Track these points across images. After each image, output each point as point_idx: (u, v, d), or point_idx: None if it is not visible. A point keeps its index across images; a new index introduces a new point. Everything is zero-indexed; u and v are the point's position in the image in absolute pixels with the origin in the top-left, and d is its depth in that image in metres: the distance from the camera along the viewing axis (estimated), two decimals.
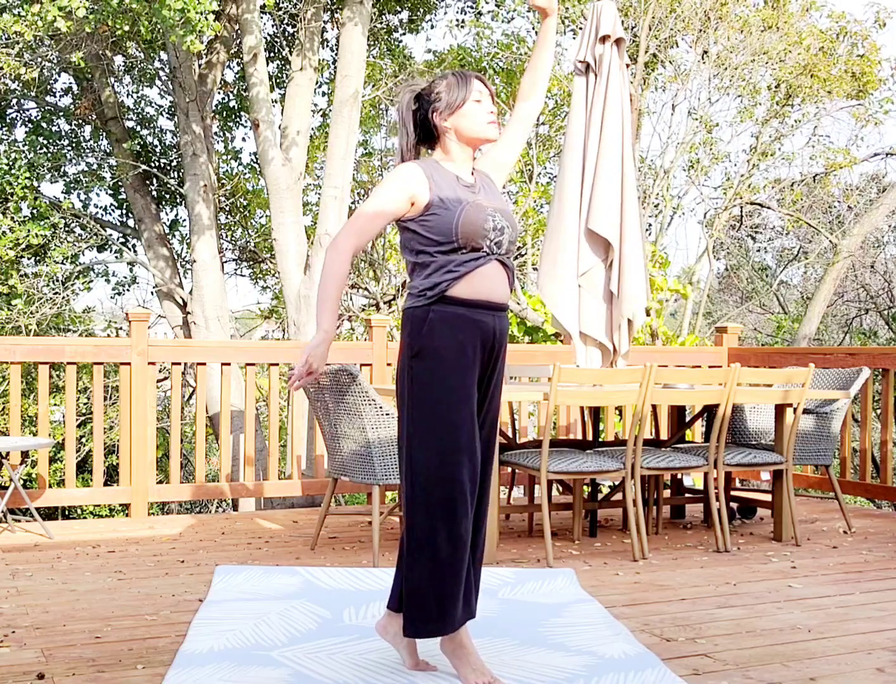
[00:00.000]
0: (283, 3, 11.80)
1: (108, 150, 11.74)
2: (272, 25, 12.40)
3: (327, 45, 12.82)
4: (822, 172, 14.09)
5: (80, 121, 11.72)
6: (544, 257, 5.33)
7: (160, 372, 10.81)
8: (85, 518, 10.72)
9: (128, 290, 12.30)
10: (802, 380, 4.99)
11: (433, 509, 2.76)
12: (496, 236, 2.87)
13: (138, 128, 12.11)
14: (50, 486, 6.55)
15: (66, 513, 11.16)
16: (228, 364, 6.07)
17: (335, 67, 11.12)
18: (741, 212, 15.27)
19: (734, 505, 5.81)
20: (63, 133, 11.91)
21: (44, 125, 11.51)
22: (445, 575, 2.78)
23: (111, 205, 12.23)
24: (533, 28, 12.76)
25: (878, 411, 10.41)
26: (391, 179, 2.88)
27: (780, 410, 5.13)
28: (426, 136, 3.02)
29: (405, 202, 2.85)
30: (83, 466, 11.39)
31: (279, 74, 12.45)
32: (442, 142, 3.00)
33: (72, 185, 11.37)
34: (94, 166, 11.73)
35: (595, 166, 5.21)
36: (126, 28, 8.26)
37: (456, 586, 2.80)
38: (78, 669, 2.96)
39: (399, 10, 12.81)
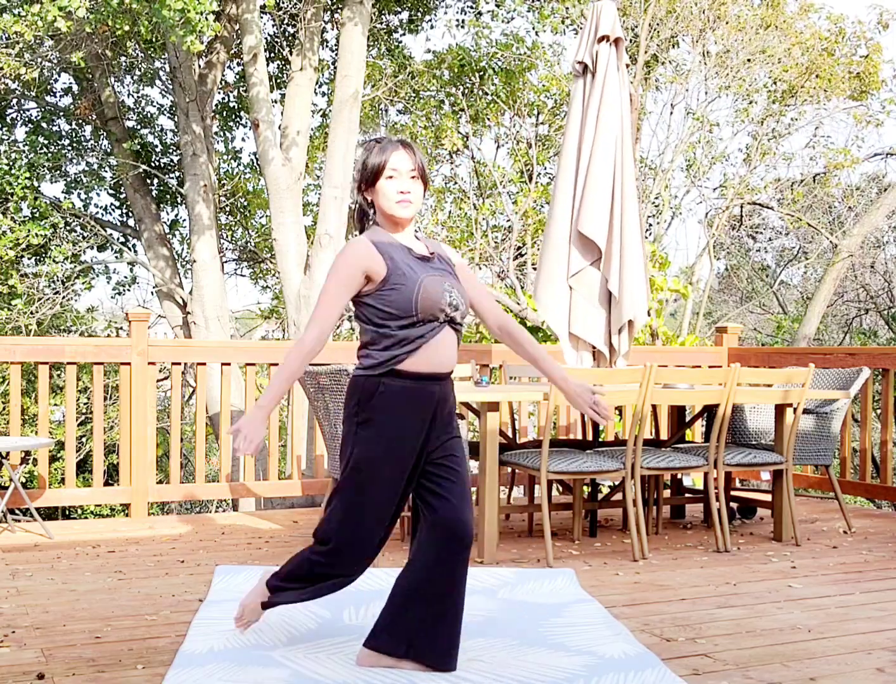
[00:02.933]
0: (283, 3, 11.79)
1: (108, 150, 11.74)
2: (272, 25, 12.41)
3: (327, 45, 12.82)
4: (822, 172, 14.09)
5: (81, 121, 11.72)
6: (541, 260, 5.34)
7: (160, 372, 10.81)
8: (85, 518, 10.72)
9: (128, 290, 12.29)
10: (802, 380, 4.99)
11: (334, 552, 2.95)
12: (451, 311, 2.90)
13: (138, 128, 12.11)
14: (50, 486, 6.55)
15: (66, 512, 11.16)
16: (228, 364, 6.07)
17: (335, 67, 11.11)
18: (741, 212, 15.27)
19: (734, 505, 5.81)
20: (63, 133, 11.90)
21: (44, 125, 11.51)
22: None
23: (111, 205, 12.23)
24: (533, 27, 12.76)
25: (878, 411, 10.41)
26: (345, 261, 2.85)
27: (780, 410, 5.13)
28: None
29: (361, 280, 2.85)
30: (83, 466, 11.39)
31: (279, 74, 12.45)
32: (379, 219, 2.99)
33: (72, 185, 11.37)
34: (95, 166, 11.73)
35: (588, 167, 5.21)
36: (126, 28, 8.26)
37: None
38: (78, 669, 2.96)
39: (399, 10, 12.81)
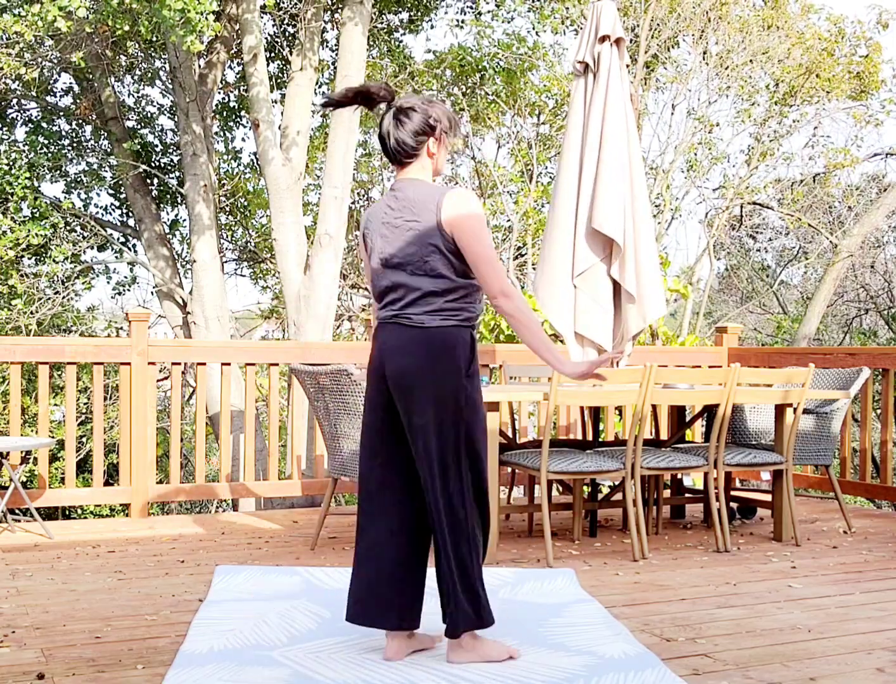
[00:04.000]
0: (283, 3, 11.79)
1: (108, 150, 11.74)
2: (272, 25, 12.40)
3: (327, 45, 12.82)
4: (822, 172, 14.09)
5: (81, 121, 11.72)
6: (542, 259, 5.33)
7: (160, 372, 10.81)
8: (85, 518, 10.72)
9: (128, 290, 12.29)
10: (802, 380, 4.99)
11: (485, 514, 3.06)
12: None
13: (138, 127, 12.11)
14: (50, 486, 6.55)
15: (66, 512, 11.15)
16: (228, 364, 6.07)
17: (335, 67, 11.11)
18: (741, 212, 15.27)
19: (734, 505, 5.81)
20: (63, 133, 11.90)
21: (44, 125, 11.50)
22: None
23: (111, 205, 12.23)
24: (533, 27, 12.75)
25: (878, 411, 10.40)
26: (482, 217, 3.00)
27: (780, 410, 5.13)
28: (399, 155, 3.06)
29: None
30: (83, 466, 11.39)
31: (279, 74, 12.45)
32: (423, 165, 3.07)
33: (72, 185, 11.37)
34: (95, 166, 11.73)
35: (596, 167, 5.20)
36: (126, 28, 8.26)
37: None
38: (78, 669, 2.96)
39: (399, 10, 12.80)
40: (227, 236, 13.27)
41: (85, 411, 11.15)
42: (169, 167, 12.06)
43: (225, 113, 12.44)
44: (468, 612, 2.93)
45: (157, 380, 8.95)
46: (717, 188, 13.51)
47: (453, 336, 2.95)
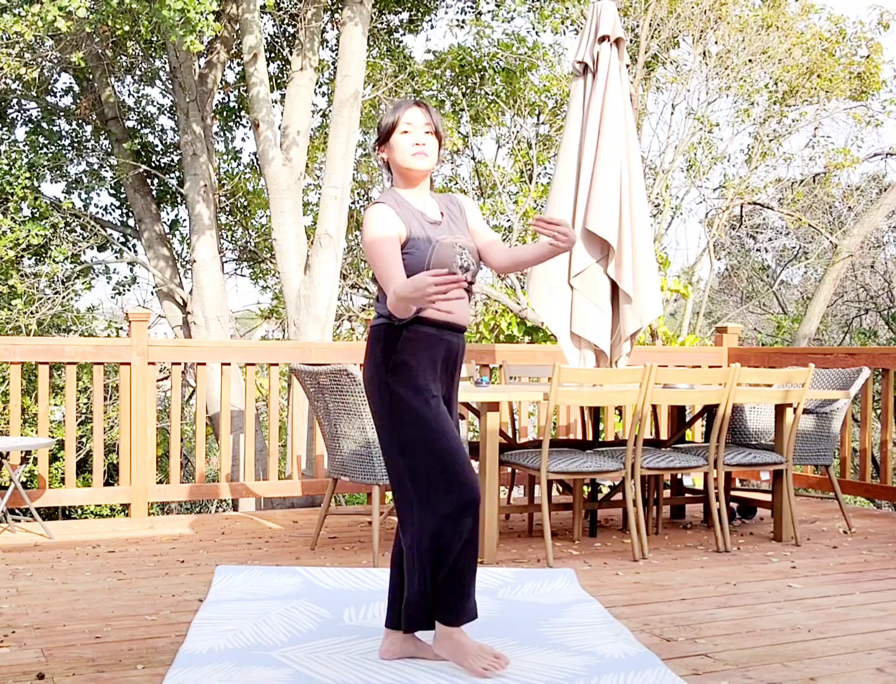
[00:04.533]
0: (283, 3, 11.79)
1: (108, 150, 11.74)
2: (272, 25, 12.41)
3: (327, 45, 12.82)
4: (822, 172, 14.09)
5: (81, 121, 11.72)
6: None
7: (160, 372, 10.81)
8: (85, 518, 10.72)
9: (128, 290, 12.29)
10: (802, 380, 4.99)
11: (443, 510, 2.85)
12: (462, 273, 2.97)
13: (139, 127, 12.11)
14: (50, 486, 6.55)
15: (66, 513, 11.16)
16: (228, 364, 6.07)
17: (335, 67, 11.11)
18: (741, 212, 15.27)
19: (734, 505, 5.81)
20: (63, 133, 11.90)
21: (44, 125, 11.51)
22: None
23: (111, 205, 12.23)
24: (533, 27, 12.76)
25: (878, 411, 10.40)
26: (375, 221, 2.89)
27: (780, 410, 5.13)
28: None
29: (397, 232, 2.92)
30: (83, 466, 11.39)
31: (279, 74, 12.45)
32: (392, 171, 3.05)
33: (72, 185, 11.37)
34: (95, 166, 11.73)
35: (593, 167, 5.20)
36: (126, 28, 8.26)
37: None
38: (78, 669, 2.96)
39: (399, 10, 12.80)
40: (227, 236, 13.27)
41: (85, 411, 11.15)
42: (169, 167, 12.06)
43: (225, 113, 12.44)
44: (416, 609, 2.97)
45: (157, 380, 8.95)
46: (717, 188, 13.52)
47: (377, 331, 2.95)
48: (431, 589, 2.90)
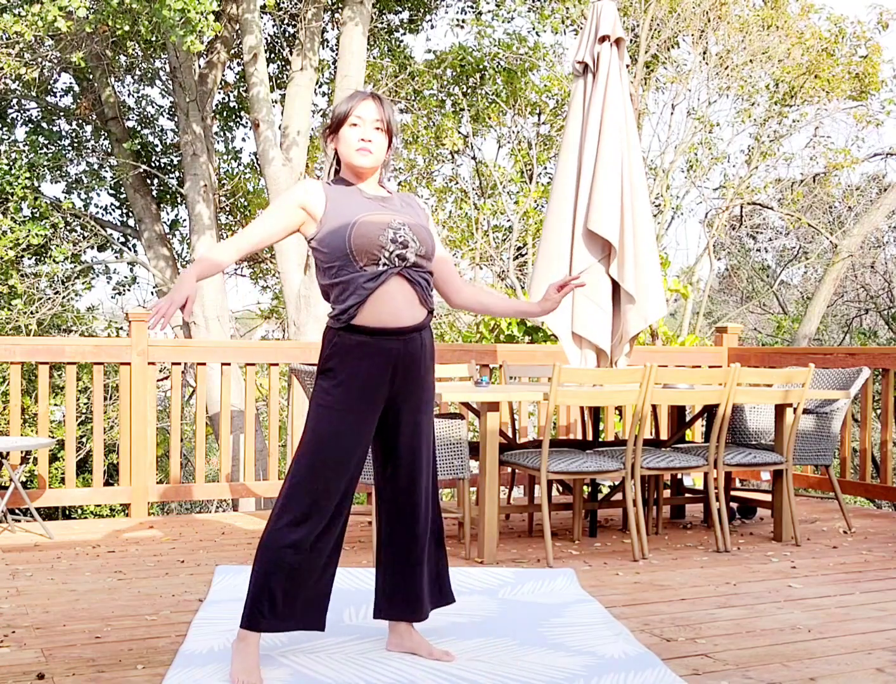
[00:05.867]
0: (283, 3, 11.80)
1: (108, 150, 11.74)
2: (272, 25, 12.41)
3: (327, 45, 12.82)
4: (822, 172, 14.09)
5: (81, 121, 11.73)
6: (538, 258, 5.33)
7: (160, 372, 10.81)
8: (85, 518, 10.72)
9: (128, 290, 12.30)
10: (802, 380, 4.99)
11: (293, 510, 2.83)
12: (396, 248, 2.83)
13: (139, 128, 12.11)
14: (50, 486, 6.55)
15: (66, 512, 11.16)
16: (228, 364, 6.07)
17: (335, 67, 11.12)
18: (741, 212, 15.27)
19: (734, 505, 5.81)
20: (63, 133, 11.91)
21: (44, 125, 11.52)
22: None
23: (111, 205, 12.24)
24: (533, 27, 12.76)
25: (878, 411, 10.41)
26: (287, 192, 2.92)
27: (780, 410, 5.13)
28: None
29: (295, 210, 2.86)
30: (83, 466, 11.39)
31: (279, 74, 12.45)
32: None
33: (72, 185, 11.37)
34: (95, 166, 11.73)
35: (594, 167, 5.20)
36: (126, 28, 8.26)
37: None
38: (78, 669, 2.96)
39: (399, 10, 12.81)
40: (227, 236, 13.27)
41: (85, 411, 11.15)
42: (169, 167, 12.07)
43: (225, 113, 12.45)
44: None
45: (157, 380, 8.95)
46: (718, 188, 13.52)
47: (324, 331, 2.94)
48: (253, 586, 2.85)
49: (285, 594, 2.84)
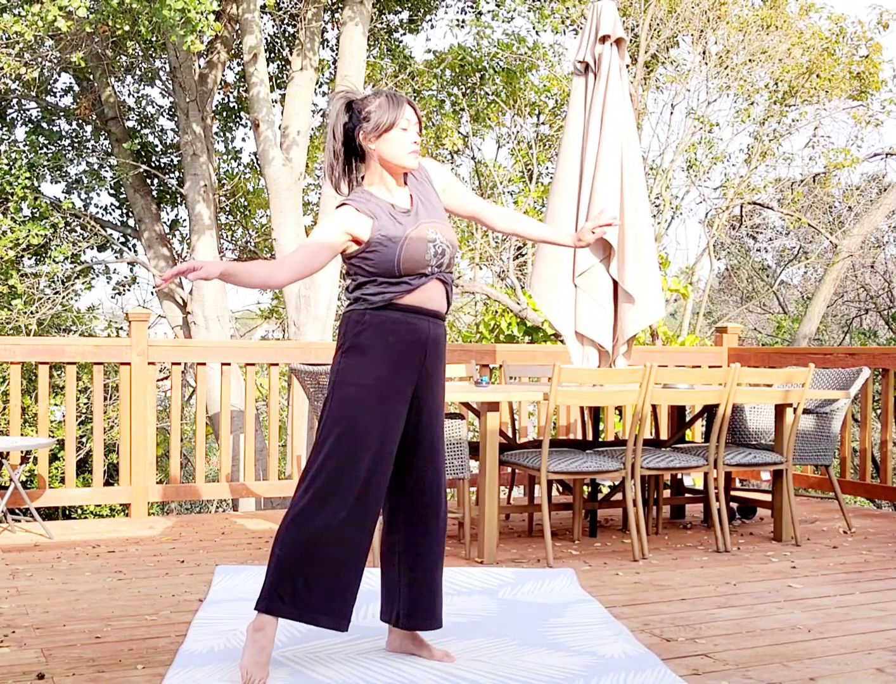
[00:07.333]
0: (283, 3, 11.80)
1: (108, 150, 11.74)
2: (272, 25, 12.41)
3: (327, 45, 12.82)
4: (822, 172, 14.09)
5: (81, 121, 11.72)
6: (539, 258, 5.33)
7: (160, 372, 10.81)
8: (85, 518, 10.72)
9: (128, 290, 12.30)
10: (802, 380, 4.99)
11: (318, 489, 2.83)
12: (437, 260, 2.94)
13: (139, 128, 12.11)
14: (50, 486, 6.55)
15: (66, 512, 11.15)
16: (228, 364, 6.07)
17: (335, 67, 11.12)
18: (741, 212, 15.27)
19: (734, 505, 5.81)
20: (63, 133, 11.90)
21: (44, 125, 11.51)
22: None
23: (111, 205, 12.23)
24: (533, 27, 12.75)
25: (878, 411, 10.41)
26: (329, 221, 2.92)
27: (780, 410, 5.13)
28: (350, 150, 3.03)
29: (343, 239, 2.89)
30: (83, 466, 11.39)
31: (279, 74, 12.45)
32: (368, 164, 3.02)
33: (72, 185, 11.37)
34: (95, 166, 11.73)
35: (595, 167, 5.20)
36: (126, 28, 8.26)
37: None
38: (78, 669, 2.96)
39: (399, 10, 12.81)
40: (227, 236, 13.28)
41: (85, 411, 11.15)
42: (169, 167, 12.07)
43: (225, 113, 12.45)
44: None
45: (157, 380, 8.95)
46: (718, 188, 13.52)
47: (344, 318, 2.95)
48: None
49: (306, 581, 2.83)
